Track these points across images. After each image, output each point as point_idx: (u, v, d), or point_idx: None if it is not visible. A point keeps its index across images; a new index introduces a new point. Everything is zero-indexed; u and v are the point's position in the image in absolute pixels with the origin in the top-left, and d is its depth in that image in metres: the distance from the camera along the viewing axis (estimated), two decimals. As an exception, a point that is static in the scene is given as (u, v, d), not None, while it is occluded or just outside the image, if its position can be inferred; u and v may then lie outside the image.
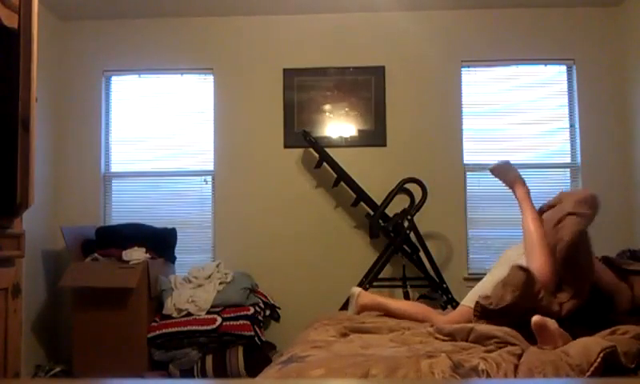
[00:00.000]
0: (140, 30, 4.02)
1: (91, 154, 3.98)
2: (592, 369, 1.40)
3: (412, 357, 1.52)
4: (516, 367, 1.48)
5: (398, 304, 2.52)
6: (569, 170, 3.93)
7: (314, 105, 3.94)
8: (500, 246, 3.57)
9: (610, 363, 1.45)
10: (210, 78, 4.03)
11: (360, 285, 3.49)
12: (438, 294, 3.52)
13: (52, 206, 3.86)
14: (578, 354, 1.48)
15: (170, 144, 4.03)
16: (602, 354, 1.42)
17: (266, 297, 3.62)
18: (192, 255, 3.91)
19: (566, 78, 3.98)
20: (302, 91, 3.94)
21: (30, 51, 1.91)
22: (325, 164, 3.70)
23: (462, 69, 3.96)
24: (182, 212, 3.96)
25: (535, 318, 1.68)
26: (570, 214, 2.11)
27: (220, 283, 3.44)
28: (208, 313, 3.26)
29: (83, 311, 3.27)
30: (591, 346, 1.50)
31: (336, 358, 1.58)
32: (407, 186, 3.63)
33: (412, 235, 3.52)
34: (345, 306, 3.41)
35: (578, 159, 3.89)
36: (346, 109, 3.93)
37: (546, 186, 3.91)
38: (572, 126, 3.94)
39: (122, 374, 3.11)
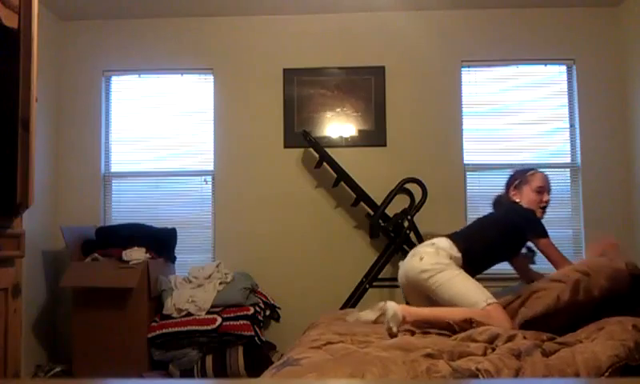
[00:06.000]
0: (140, 30, 4.02)
1: (91, 154, 3.98)
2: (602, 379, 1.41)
3: (409, 359, 1.50)
4: (517, 373, 1.47)
5: (442, 312, 2.12)
6: (569, 170, 3.93)
7: (314, 105, 3.94)
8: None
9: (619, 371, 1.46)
10: (210, 78, 4.02)
11: (360, 285, 3.49)
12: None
13: (52, 206, 3.86)
14: (585, 365, 1.47)
15: (170, 144, 4.02)
16: (610, 369, 1.43)
17: (265, 297, 3.62)
18: (192, 255, 3.90)
19: (566, 78, 3.97)
20: (302, 91, 3.94)
21: (30, 51, 1.91)
22: (325, 164, 3.69)
23: (462, 69, 3.96)
24: (182, 212, 3.96)
25: None
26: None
27: (220, 283, 3.44)
28: (208, 313, 3.26)
29: (83, 311, 3.27)
30: (600, 356, 1.49)
31: (330, 362, 1.57)
32: (407, 185, 3.63)
33: (412, 235, 3.51)
34: (344, 307, 3.41)
35: (578, 159, 3.89)
36: (346, 109, 3.93)
37: (546, 185, 3.91)
38: (572, 126, 3.94)
39: (122, 374, 3.11)
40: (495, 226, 2.49)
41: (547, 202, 2.57)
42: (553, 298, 1.92)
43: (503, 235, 2.47)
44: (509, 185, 2.67)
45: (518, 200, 2.59)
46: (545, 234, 2.41)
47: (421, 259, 2.33)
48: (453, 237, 2.43)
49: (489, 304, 2.13)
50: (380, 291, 3.68)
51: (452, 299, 2.20)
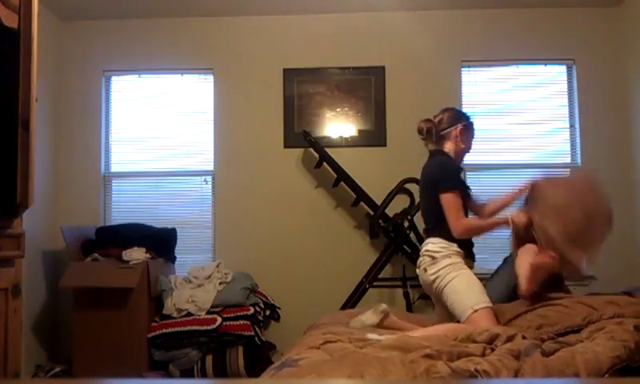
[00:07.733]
0: (140, 30, 4.02)
1: (91, 154, 3.98)
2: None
3: (408, 360, 1.50)
4: (516, 374, 1.46)
5: (423, 332, 2.11)
6: (569, 170, 3.93)
7: (314, 105, 3.94)
8: (500, 246, 3.56)
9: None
10: (210, 78, 4.02)
11: (360, 285, 3.49)
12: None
13: (52, 206, 3.86)
14: (585, 366, 1.47)
15: (170, 144, 4.02)
16: (611, 370, 1.43)
17: (265, 297, 3.62)
18: (192, 255, 3.90)
19: (566, 78, 3.97)
20: (302, 91, 3.94)
21: (30, 51, 1.91)
22: (325, 164, 3.70)
23: (462, 69, 3.96)
24: (182, 212, 3.96)
25: None
26: None
27: (220, 283, 3.44)
28: (208, 313, 3.26)
29: (83, 311, 3.27)
30: (600, 356, 1.48)
31: (329, 362, 1.57)
32: (407, 185, 3.63)
33: (412, 235, 3.51)
34: (344, 307, 3.41)
35: (578, 159, 3.89)
36: (346, 109, 3.93)
37: (546, 186, 3.91)
38: (572, 126, 3.94)
39: (122, 374, 3.11)
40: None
41: None
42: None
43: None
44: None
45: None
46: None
47: (425, 271, 2.37)
48: (437, 230, 2.38)
49: (475, 310, 2.17)
50: (380, 291, 3.68)
51: (451, 307, 2.27)
